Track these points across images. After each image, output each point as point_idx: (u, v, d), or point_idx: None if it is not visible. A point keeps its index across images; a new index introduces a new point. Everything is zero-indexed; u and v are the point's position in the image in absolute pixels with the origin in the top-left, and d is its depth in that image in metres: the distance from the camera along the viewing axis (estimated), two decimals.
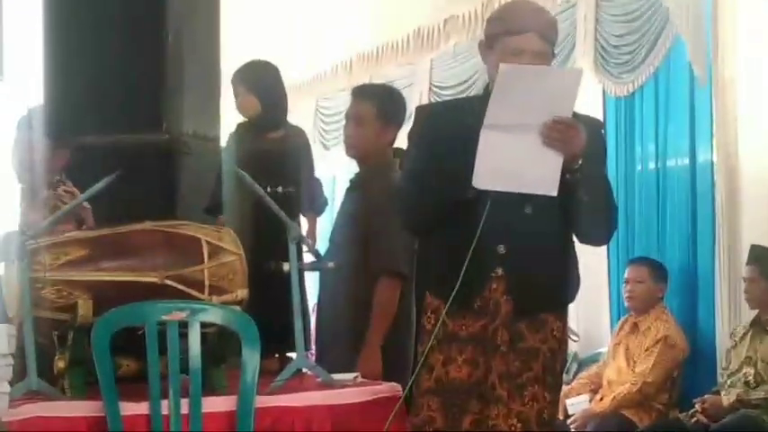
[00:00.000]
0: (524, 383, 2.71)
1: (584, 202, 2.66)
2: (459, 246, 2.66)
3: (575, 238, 2.86)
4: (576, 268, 2.87)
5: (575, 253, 2.86)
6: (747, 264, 4.61)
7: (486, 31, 2.80)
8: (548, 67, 2.72)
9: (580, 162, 2.62)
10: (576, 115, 2.67)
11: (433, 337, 2.73)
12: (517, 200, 2.67)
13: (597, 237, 2.87)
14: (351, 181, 3.73)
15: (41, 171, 3.60)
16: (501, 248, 2.71)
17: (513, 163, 2.61)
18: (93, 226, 3.43)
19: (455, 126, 2.71)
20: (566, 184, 2.62)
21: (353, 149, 3.65)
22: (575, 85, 2.63)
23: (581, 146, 2.60)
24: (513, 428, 2.68)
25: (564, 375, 5.60)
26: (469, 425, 2.70)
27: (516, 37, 2.69)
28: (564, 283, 2.82)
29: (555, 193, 2.59)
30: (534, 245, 2.73)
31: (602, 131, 2.84)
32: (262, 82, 3.59)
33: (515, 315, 2.72)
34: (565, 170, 2.61)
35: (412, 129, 3.04)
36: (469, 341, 2.73)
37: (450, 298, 2.66)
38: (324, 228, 4.10)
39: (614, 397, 4.95)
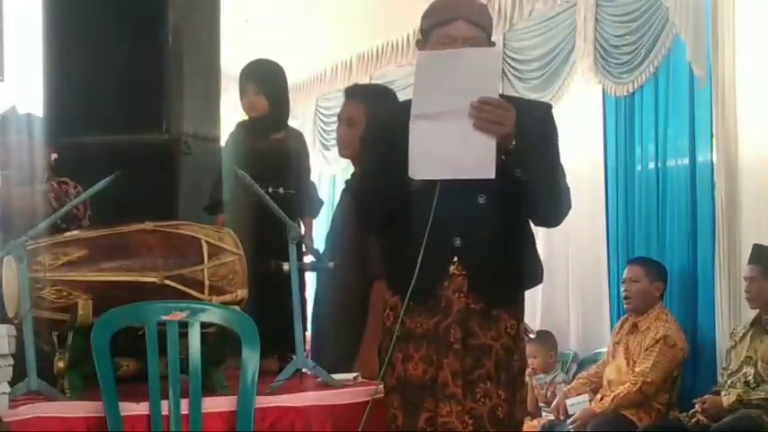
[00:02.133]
0: (476, 380, 2.70)
1: (525, 182, 2.66)
2: (413, 240, 2.66)
3: (532, 227, 2.86)
4: (536, 254, 2.87)
5: (532, 244, 2.85)
6: (749, 263, 4.61)
7: (421, 28, 2.83)
8: (463, 48, 2.72)
9: (514, 142, 2.63)
10: (520, 100, 2.69)
11: (395, 335, 2.73)
12: (469, 190, 2.68)
13: (547, 217, 2.86)
14: (346, 182, 3.75)
15: (31, 170, 3.59)
16: (457, 241, 2.71)
17: (446, 150, 2.61)
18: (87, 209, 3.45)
19: (396, 124, 2.73)
20: (505, 166, 2.62)
21: (346, 150, 3.67)
22: (495, 63, 2.69)
23: (512, 125, 2.60)
24: (465, 426, 2.67)
25: (564, 375, 5.70)
26: (425, 422, 2.69)
27: (445, 27, 2.73)
28: (518, 276, 2.81)
29: (492, 176, 2.59)
30: (489, 236, 2.72)
31: (551, 114, 2.83)
32: (271, 82, 3.59)
33: (467, 312, 2.72)
34: (500, 152, 2.61)
35: (363, 131, 3.07)
36: (424, 338, 2.72)
37: (408, 294, 2.66)
38: (320, 229, 4.10)
39: (614, 397, 4.96)
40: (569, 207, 2.83)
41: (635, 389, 4.89)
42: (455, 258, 2.72)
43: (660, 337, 4.92)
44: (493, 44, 2.86)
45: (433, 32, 2.76)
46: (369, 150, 2.89)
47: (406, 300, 2.68)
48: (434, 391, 2.70)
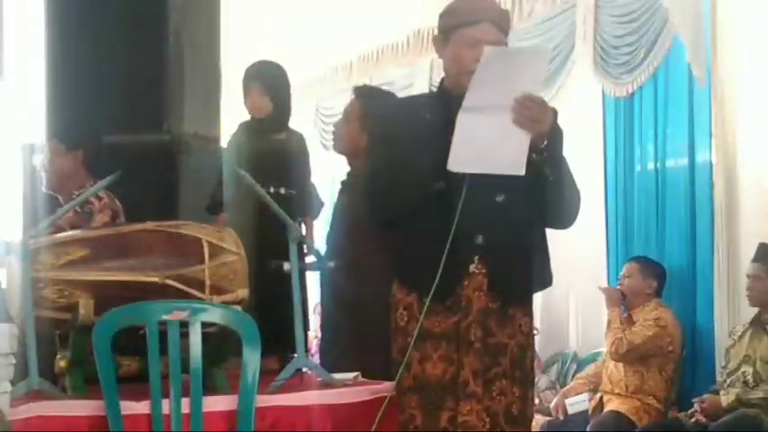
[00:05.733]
0: (493, 378, 2.72)
1: (550, 182, 2.69)
2: (434, 238, 2.66)
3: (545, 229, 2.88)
4: (547, 255, 2.88)
5: (546, 244, 2.87)
6: (754, 261, 4.61)
7: (440, 25, 2.82)
8: (524, 46, 2.74)
9: (546, 142, 2.65)
10: None
11: (416, 334, 2.73)
12: (489, 188, 2.69)
13: (563, 218, 2.87)
14: (342, 183, 3.79)
15: (68, 181, 3.63)
16: (479, 239, 2.72)
17: (485, 144, 2.63)
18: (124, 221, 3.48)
19: (414, 122, 2.73)
20: (533, 164, 2.64)
21: (338, 144, 3.78)
22: (543, 62, 2.69)
23: (548, 124, 2.63)
24: (483, 424, 2.69)
25: (547, 379, 5.71)
26: (446, 422, 2.71)
27: (472, 28, 2.72)
28: (533, 277, 2.83)
29: (523, 173, 2.61)
30: (508, 235, 2.74)
31: (557, 120, 2.84)
32: (276, 83, 3.60)
33: (486, 311, 2.73)
34: (532, 149, 2.63)
35: (371, 126, 3.07)
36: (442, 338, 2.73)
37: (431, 292, 2.67)
38: (321, 229, 4.12)
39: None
40: (579, 209, 2.85)
41: (619, 335, 4.99)
42: (476, 257, 2.73)
43: (652, 318, 5.03)
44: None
45: (456, 31, 2.74)
46: (383, 146, 2.87)
47: (429, 298, 2.68)
48: (455, 390, 2.71)
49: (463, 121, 2.62)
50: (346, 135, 3.73)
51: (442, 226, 2.65)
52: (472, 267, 2.72)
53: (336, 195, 3.88)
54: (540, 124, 2.61)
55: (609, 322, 5.24)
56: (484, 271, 2.73)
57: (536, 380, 5.68)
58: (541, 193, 2.70)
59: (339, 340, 3.58)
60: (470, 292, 2.72)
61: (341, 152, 3.79)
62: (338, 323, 3.62)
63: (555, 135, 2.71)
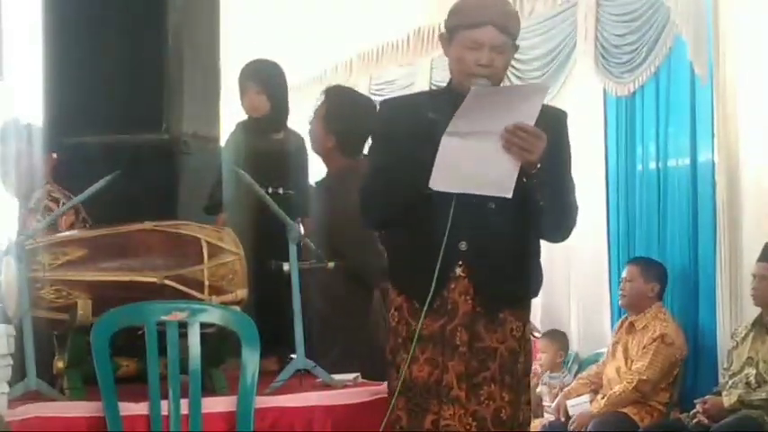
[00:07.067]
0: (480, 383, 2.69)
1: (540, 205, 2.67)
2: (422, 242, 2.66)
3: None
4: (539, 263, 2.86)
5: (538, 248, 2.85)
6: (759, 261, 4.58)
7: (447, 24, 2.79)
8: (516, 85, 2.71)
9: (538, 167, 2.62)
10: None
11: (416, 335, 2.71)
12: (481, 196, 2.67)
13: (553, 236, 2.86)
14: (316, 183, 3.80)
15: (32, 179, 3.61)
16: (462, 245, 2.70)
17: (470, 166, 2.62)
18: (86, 217, 3.46)
19: (417, 121, 2.71)
20: (522, 188, 2.63)
21: (311, 141, 3.80)
22: (539, 98, 2.66)
23: (539, 154, 2.60)
24: (468, 428, 2.67)
25: (571, 377, 5.69)
26: (430, 424, 2.69)
27: (474, 30, 2.69)
28: (525, 281, 2.80)
29: (510, 195, 2.61)
30: (497, 241, 2.72)
31: (566, 125, 2.81)
32: (272, 82, 3.60)
33: (474, 315, 2.71)
34: (522, 174, 2.62)
35: (375, 124, 3.06)
36: (429, 340, 2.71)
37: (429, 298, 2.65)
38: None
39: (609, 396, 4.96)
40: (573, 226, 2.83)
41: (630, 387, 4.90)
42: (460, 261, 2.71)
43: (658, 336, 4.95)
44: (516, 47, 2.81)
45: (459, 32, 2.71)
46: (383, 144, 2.85)
47: (426, 306, 2.67)
48: (439, 393, 2.69)
49: (446, 145, 2.61)
50: (313, 135, 3.78)
51: (429, 230, 2.65)
52: (459, 271, 2.71)
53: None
54: (531, 153, 2.59)
55: (610, 380, 5.18)
56: (469, 275, 2.71)
57: (563, 375, 5.69)
58: (531, 213, 2.69)
59: (313, 340, 3.58)
60: (456, 296, 2.70)
61: (315, 151, 3.83)
62: (311, 323, 3.61)
63: (553, 149, 2.67)
